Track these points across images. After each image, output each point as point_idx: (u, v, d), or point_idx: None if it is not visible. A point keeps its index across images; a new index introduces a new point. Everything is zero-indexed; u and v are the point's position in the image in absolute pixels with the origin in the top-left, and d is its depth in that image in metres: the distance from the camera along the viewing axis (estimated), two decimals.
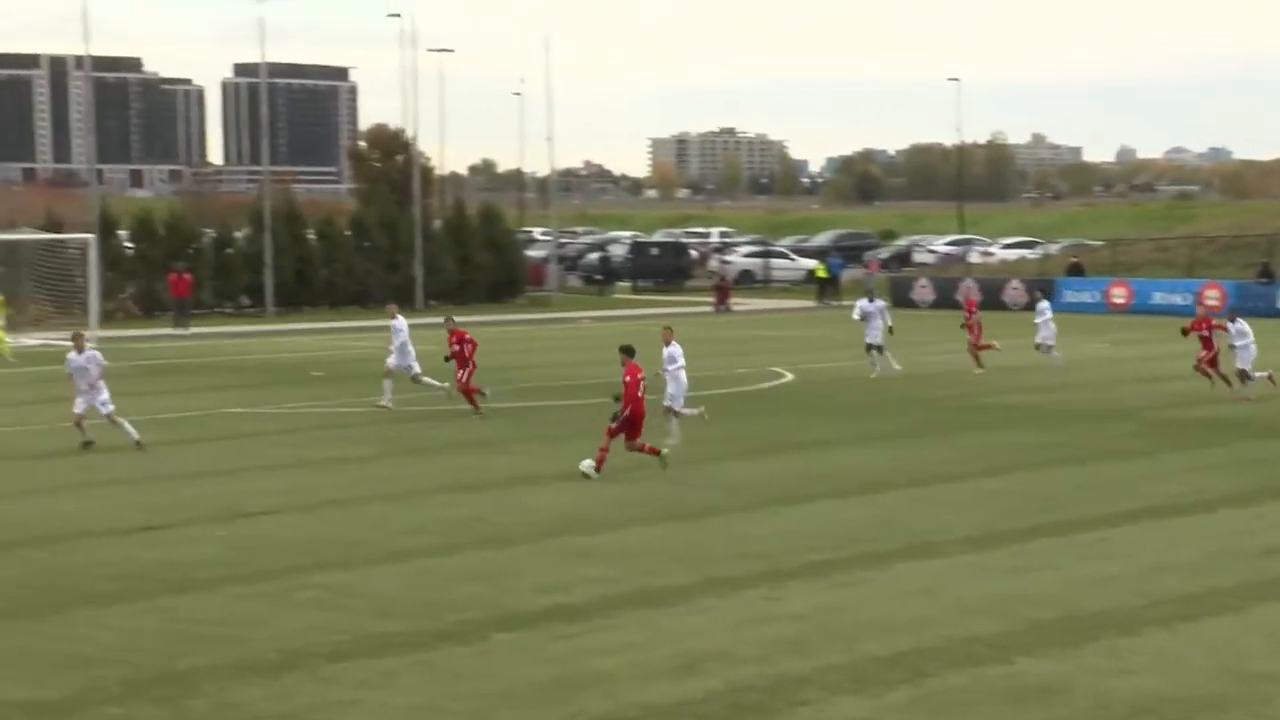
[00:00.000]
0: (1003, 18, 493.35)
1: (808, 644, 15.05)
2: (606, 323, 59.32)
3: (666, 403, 27.76)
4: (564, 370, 41.59)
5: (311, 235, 66.81)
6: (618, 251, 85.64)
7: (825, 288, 72.76)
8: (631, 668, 14.34)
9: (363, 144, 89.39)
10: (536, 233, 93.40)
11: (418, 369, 33.54)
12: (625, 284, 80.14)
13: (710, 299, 69.39)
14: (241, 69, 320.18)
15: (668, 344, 27.84)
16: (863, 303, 39.80)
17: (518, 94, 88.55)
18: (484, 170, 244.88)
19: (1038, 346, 41.66)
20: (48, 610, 16.42)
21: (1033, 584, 17.45)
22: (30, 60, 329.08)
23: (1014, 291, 66.61)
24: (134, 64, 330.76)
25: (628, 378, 24.69)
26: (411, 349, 33.44)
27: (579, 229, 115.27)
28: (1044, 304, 42.68)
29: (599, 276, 79.95)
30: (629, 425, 24.69)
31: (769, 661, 14.45)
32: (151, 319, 58.56)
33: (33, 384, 38.40)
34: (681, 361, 27.86)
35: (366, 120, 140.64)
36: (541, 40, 63.73)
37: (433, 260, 67.87)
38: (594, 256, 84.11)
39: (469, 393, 31.99)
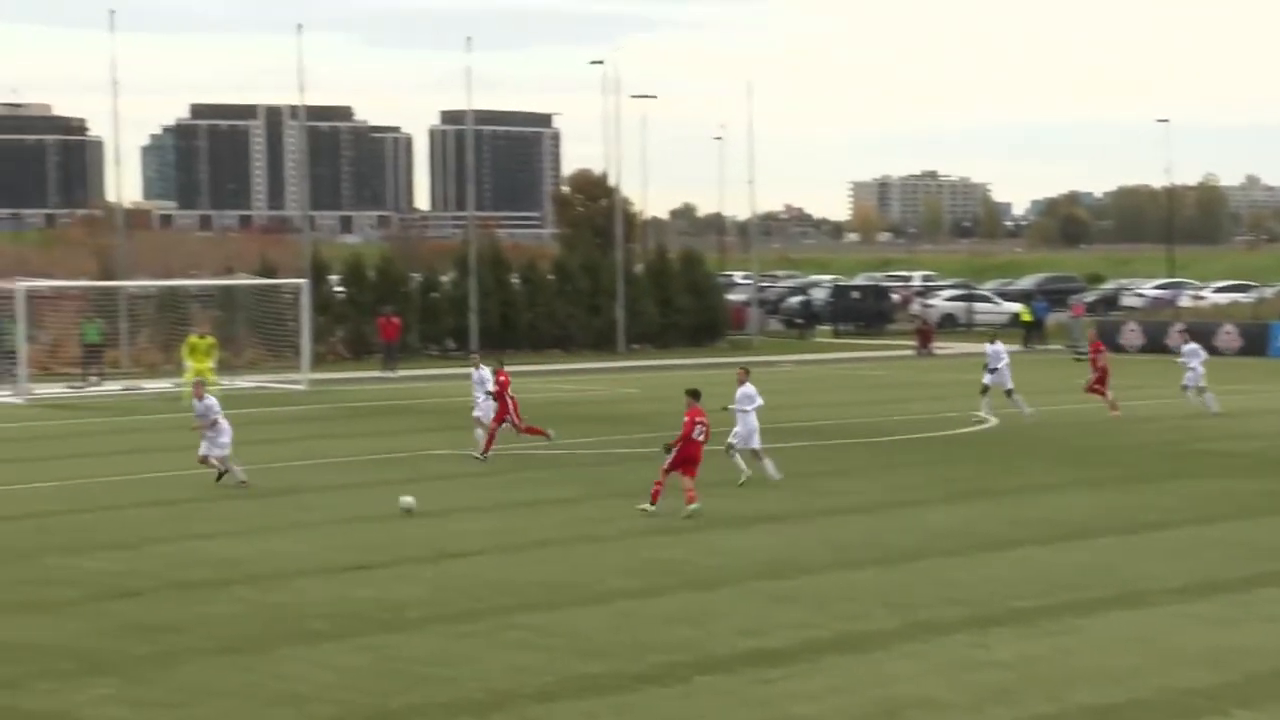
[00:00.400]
0: (1213, 59, 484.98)
1: (1015, 693, 14.82)
2: (808, 366, 59.14)
3: (730, 440, 28.34)
4: (766, 414, 41.40)
5: (515, 279, 67.52)
6: (819, 295, 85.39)
7: (1031, 332, 71.82)
8: (834, 713, 14.24)
9: (566, 189, 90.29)
10: (737, 276, 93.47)
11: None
12: (826, 328, 79.85)
13: (912, 342, 68.86)
14: (448, 116, 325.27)
15: (741, 384, 28.42)
16: (993, 347, 40.05)
17: (719, 139, 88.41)
18: (685, 214, 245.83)
19: (1184, 388, 40.57)
20: (262, 647, 16.75)
21: (1250, 635, 17.01)
22: (248, 111, 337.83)
23: (1227, 336, 65.13)
24: (345, 113, 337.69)
25: (687, 418, 25.55)
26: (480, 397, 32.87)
27: (779, 272, 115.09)
28: (1190, 346, 41.43)
29: (800, 320, 79.76)
30: (684, 463, 25.40)
31: (975, 710, 14.26)
32: (360, 361, 59.62)
33: (246, 425, 39.23)
34: (758, 402, 28.41)
35: (569, 166, 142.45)
36: (744, 85, 64.61)
37: (634, 304, 68.23)
38: (795, 300, 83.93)
39: (531, 430, 32.31)
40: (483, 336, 63.41)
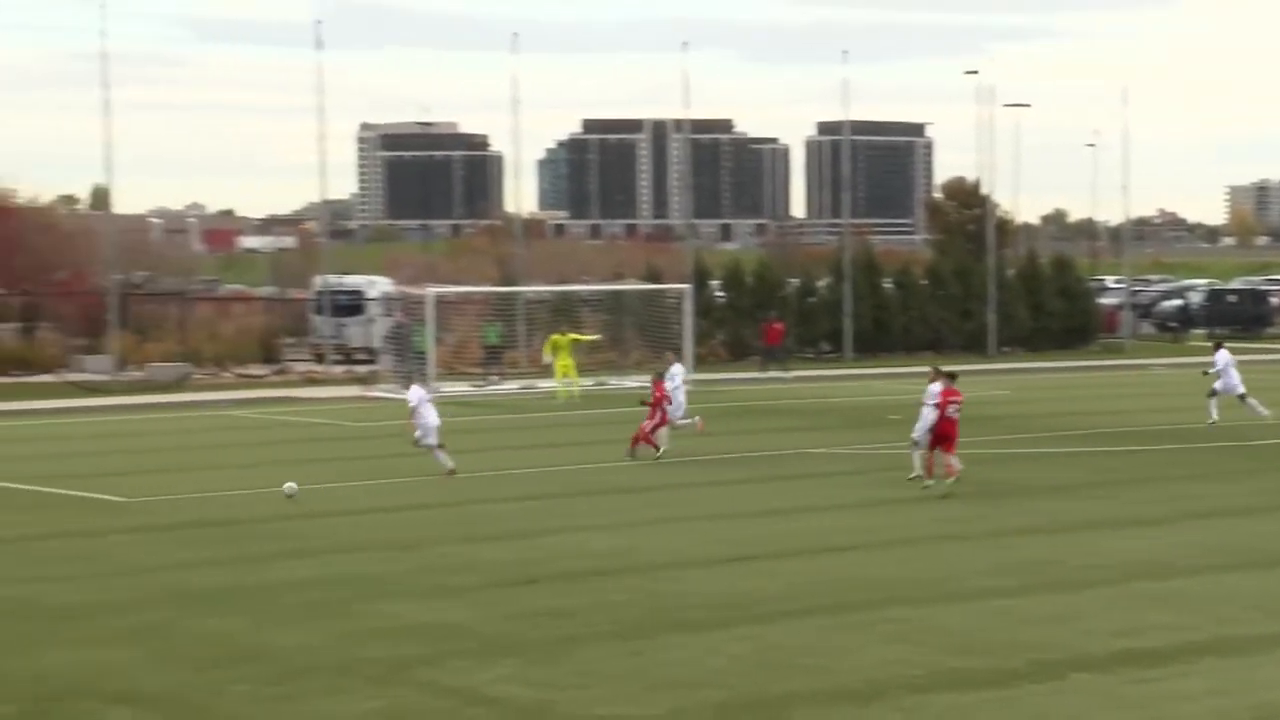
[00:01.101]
0: None
1: None
2: (1179, 370, 57.19)
3: (914, 435, 28.07)
4: (1136, 416, 40.31)
5: (888, 284, 67.11)
6: (1194, 299, 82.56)
7: None
8: (1212, 716, 13.75)
9: (939, 196, 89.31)
10: (1109, 281, 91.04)
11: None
12: (1200, 331, 77.13)
13: None
14: (824, 127, 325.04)
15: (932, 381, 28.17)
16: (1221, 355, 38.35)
17: (1092, 145, 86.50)
18: (1056, 220, 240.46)
19: (1212, 393, 37.90)
20: (648, 633, 16.99)
21: None
22: (635, 125, 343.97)
23: None
24: (726, 125, 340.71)
25: (941, 398, 27.09)
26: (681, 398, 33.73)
27: (1152, 277, 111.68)
28: (1219, 354, 38.77)
29: (1174, 324, 77.26)
30: (941, 440, 27.02)
31: None
32: (739, 363, 60.01)
33: (631, 424, 39.87)
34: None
35: (942, 174, 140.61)
36: (1119, 92, 62.75)
37: (1006, 307, 67.09)
38: (1170, 304, 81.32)
39: (646, 440, 31.83)
40: (856, 339, 63.18)
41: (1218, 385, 38.18)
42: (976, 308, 66.60)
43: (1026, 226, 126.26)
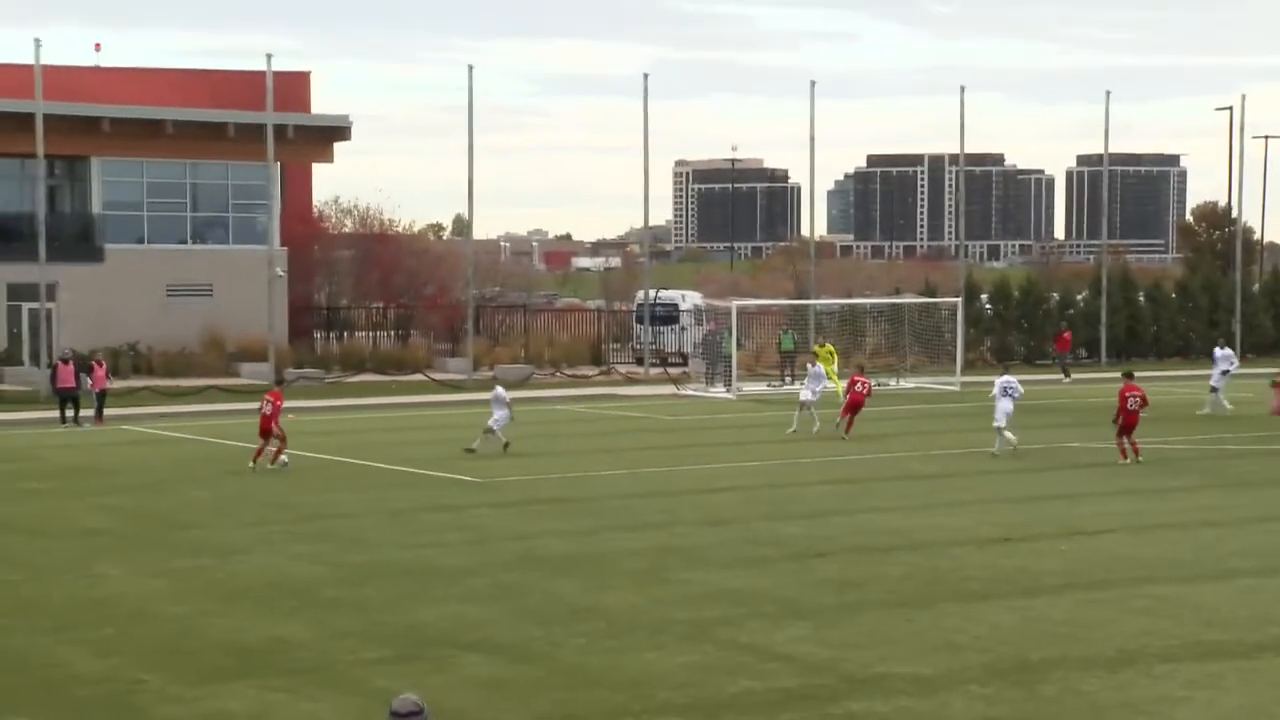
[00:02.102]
0: None
1: None
2: None
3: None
4: None
5: (1141, 298, 65.12)
6: None
7: None
8: None
9: (1190, 219, 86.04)
10: None
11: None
12: None
13: None
14: (1084, 159, 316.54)
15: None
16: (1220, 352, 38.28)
17: None
18: None
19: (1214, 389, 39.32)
20: (925, 603, 16.79)
21: None
22: (914, 159, 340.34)
23: None
24: (997, 159, 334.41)
25: (1121, 394, 29.12)
26: None
27: None
28: (1220, 351, 40.94)
29: None
30: (1125, 429, 28.79)
31: None
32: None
33: (910, 419, 39.39)
34: None
35: (1194, 199, 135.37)
36: None
37: (1251, 318, 64.43)
38: None
39: None
40: (1111, 347, 61.34)
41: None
42: (1223, 318, 64.13)
43: (1272, 245, 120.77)
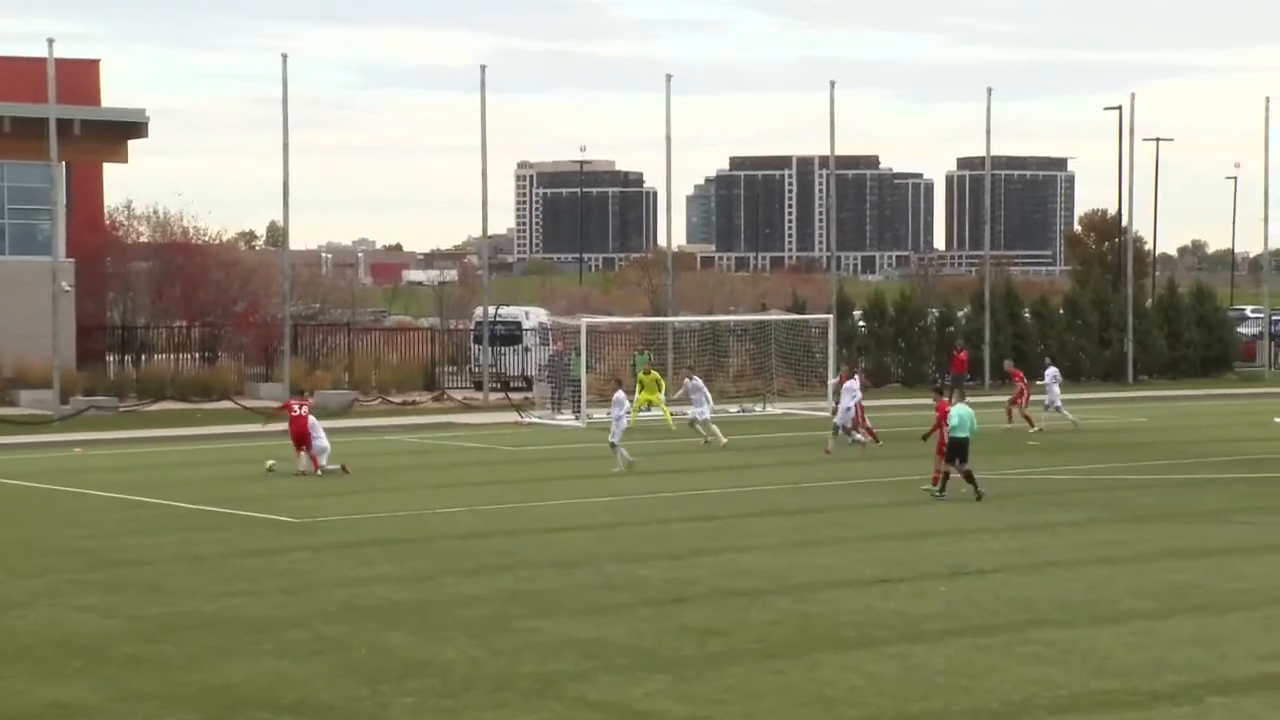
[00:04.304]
0: None
1: None
2: None
3: None
4: (1276, 444, 39.45)
5: (1027, 314, 66.47)
6: None
7: None
8: None
9: (1078, 229, 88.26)
10: (1248, 310, 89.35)
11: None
12: None
13: None
14: (965, 162, 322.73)
15: None
16: None
17: (1232, 177, 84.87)
18: (1194, 251, 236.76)
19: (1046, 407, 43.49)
20: (796, 652, 16.94)
21: None
22: (782, 162, 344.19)
23: None
24: (872, 161, 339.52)
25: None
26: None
27: None
28: (1051, 369, 45.73)
29: None
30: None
31: None
32: (879, 390, 59.61)
33: (777, 449, 39.82)
34: None
35: (1082, 207, 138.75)
36: (1261, 122, 60.90)
37: (1144, 337, 66.10)
38: None
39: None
40: (995, 368, 62.53)
41: None
42: (1115, 337, 65.73)
43: (1165, 257, 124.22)
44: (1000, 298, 65.09)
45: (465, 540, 24.68)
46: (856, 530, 25.61)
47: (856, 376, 40.20)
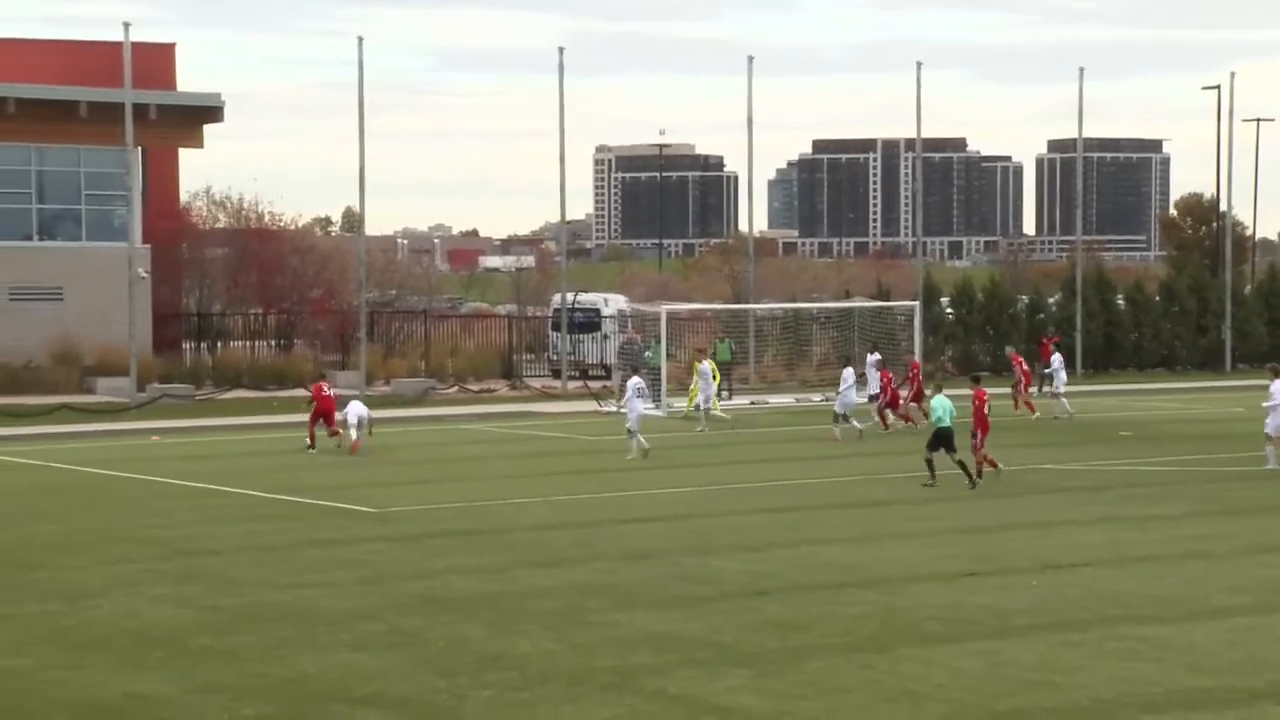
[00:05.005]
0: None
1: None
2: None
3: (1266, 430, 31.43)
4: None
5: (1120, 300, 65.84)
6: None
7: None
8: None
9: (1174, 213, 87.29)
10: None
11: None
12: None
13: None
14: (1056, 145, 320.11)
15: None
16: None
17: None
18: None
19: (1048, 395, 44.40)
20: (880, 647, 16.86)
21: None
22: (866, 145, 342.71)
23: None
24: (959, 144, 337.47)
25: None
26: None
27: None
28: (1057, 358, 45.50)
29: None
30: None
31: None
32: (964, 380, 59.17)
33: (862, 439, 39.65)
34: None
35: (1178, 191, 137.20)
36: None
37: (1242, 324, 65.31)
38: None
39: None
40: (1087, 355, 61.99)
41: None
42: (1212, 324, 64.99)
43: (1265, 242, 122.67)
44: (1092, 284, 64.54)
45: (540, 531, 24.76)
46: (938, 523, 25.47)
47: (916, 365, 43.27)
